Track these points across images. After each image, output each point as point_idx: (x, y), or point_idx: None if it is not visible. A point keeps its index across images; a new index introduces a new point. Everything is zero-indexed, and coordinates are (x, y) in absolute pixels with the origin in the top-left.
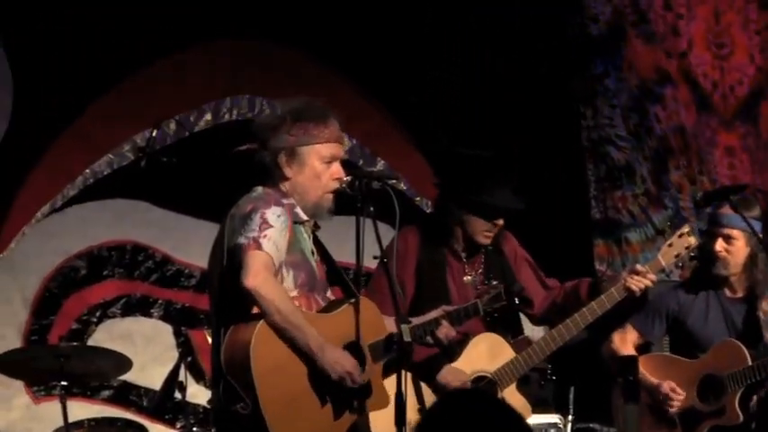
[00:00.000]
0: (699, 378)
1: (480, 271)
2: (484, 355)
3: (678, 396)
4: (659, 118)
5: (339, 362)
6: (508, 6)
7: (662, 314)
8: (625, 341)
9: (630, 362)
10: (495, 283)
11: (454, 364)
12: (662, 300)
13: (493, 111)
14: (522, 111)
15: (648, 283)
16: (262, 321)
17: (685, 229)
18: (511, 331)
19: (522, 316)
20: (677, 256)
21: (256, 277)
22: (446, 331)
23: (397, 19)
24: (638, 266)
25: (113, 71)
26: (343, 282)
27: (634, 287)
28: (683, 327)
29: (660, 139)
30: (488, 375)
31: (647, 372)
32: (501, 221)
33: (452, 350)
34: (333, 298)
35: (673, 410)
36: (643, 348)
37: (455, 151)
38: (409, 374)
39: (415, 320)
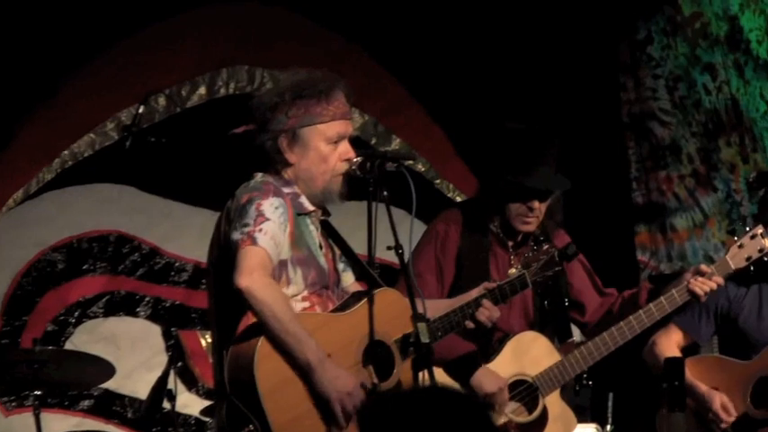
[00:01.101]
0: (752, 382)
1: (535, 245)
2: (525, 356)
3: (729, 416)
4: (708, 89)
5: (340, 380)
6: None
7: (710, 311)
8: (670, 342)
9: (676, 365)
10: (545, 246)
11: (491, 365)
12: (710, 296)
13: (520, 83)
14: (553, 82)
15: (713, 285)
16: (263, 336)
17: (759, 230)
18: (558, 334)
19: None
20: (748, 259)
21: (250, 275)
22: (489, 313)
23: None
24: (703, 266)
25: (95, 39)
26: (365, 272)
27: (698, 290)
28: (735, 325)
29: (709, 113)
30: (528, 380)
31: (694, 376)
32: (537, 204)
33: (490, 342)
34: (352, 288)
35: (723, 427)
36: (690, 350)
37: (497, 125)
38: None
39: (452, 301)
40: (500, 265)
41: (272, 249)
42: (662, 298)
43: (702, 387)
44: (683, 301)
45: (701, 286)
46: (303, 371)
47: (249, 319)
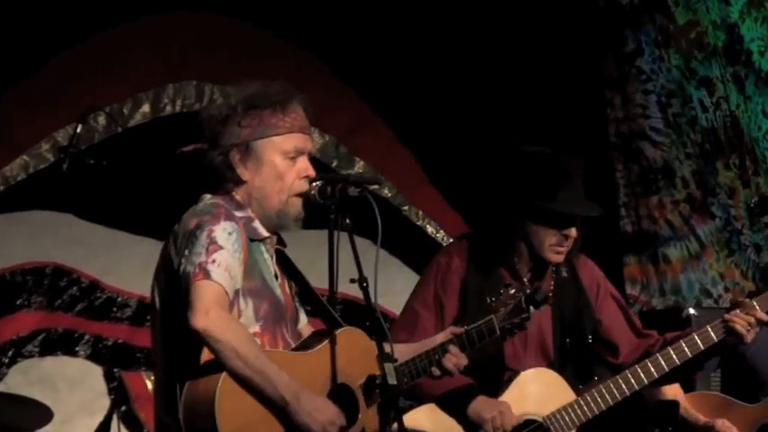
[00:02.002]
0: (756, 427)
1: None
2: (535, 394)
3: None
4: (705, 105)
5: (320, 410)
6: None
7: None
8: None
9: (670, 410)
10: (511, 290)
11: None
12: None
13: (496, 100)
14: (533, 99)
15: (752, 320)
16: (224, 373)
17: None
18: (580, 375)
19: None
20: None
21: (207, 316)
22: (456, 360)
23: None
24: (742, 299)
25: (27, 52)
26: (323, 309)
27: (739, 326)
28: (742, 360)
29: (706, 132)
30: (539, 419)
31: (693, 409)
32: (573, 232)
33: (497, 381)
34: (305, 331)
35: None
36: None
37: (513, 147)
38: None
39: (417, 346)
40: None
41: (228, 282)
42: (694, 334)
43: (700, 416)
44: (719, 339)
45: (741, 322)
46: (276, 409)
47: (205, 355)
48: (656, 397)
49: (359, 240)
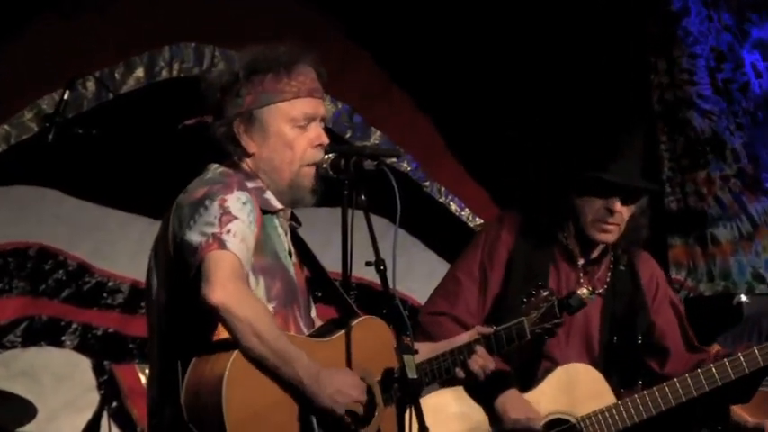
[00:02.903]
0: None
1: (600, 291)
2: (572, 392)
3: None
4: (758, 70)
5: (342, 391)
6: None
7: (762, 334)
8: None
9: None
10: (544, 293)
11: (527, 395)
12: (762, 316)
13: (527, 64)
14: (567, 65)
15: None
16: (236, 351)
17: None
18: (624, 377)
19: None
20: None
21: (225, 289)
22: (483, 362)
23: None
24: None
25: (10, 14)
26: (337, 296)
27: None
28: None
29: (759, 100)
30: (571, 420)
31: (741, 409)
32: (618, 206)
33: (533, 372)
34: (315, 316)
35: None
36: None
37: (569, 118)
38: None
39: (441, 345)
40: (563, 282)
41: (244, 255)
42: (755, 348)
43: (749, 418)
44: None
45: None
46: (292, 393)
47: (218, 335)
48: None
49: (375, 219)
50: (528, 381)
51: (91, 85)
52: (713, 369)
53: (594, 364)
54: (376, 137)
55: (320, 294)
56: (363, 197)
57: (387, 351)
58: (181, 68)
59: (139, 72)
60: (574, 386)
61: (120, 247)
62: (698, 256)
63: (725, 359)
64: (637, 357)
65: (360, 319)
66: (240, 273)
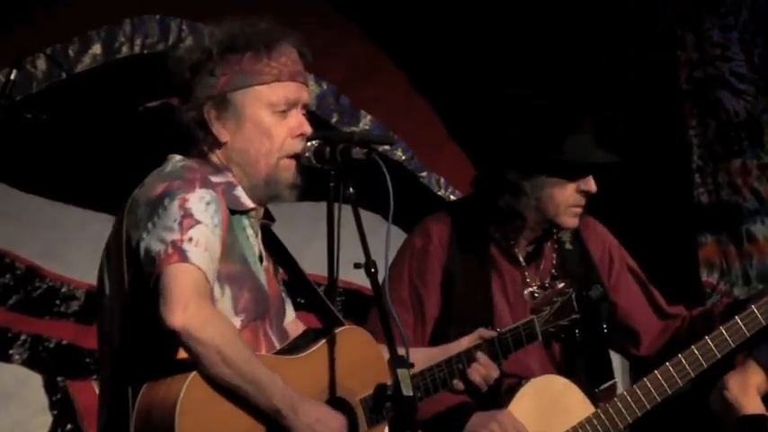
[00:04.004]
0: None
1: (548, 281)
2: (543, 408)
3: None
4: None
5: (321, 421)
6: None
7: None
8: (746, 388)
9: (757, 426)
10: (560, 284)
11: None
12: None
13: (535, 36)
14: (582, 37)
15: None
16: (194, 374)
17: None
18: (595, 376)
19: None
20: None
21: (186, 310)
22: (485, 372)
23: None
24: None
25: None
26: (318, 303)
27: None
28: None
29: None
30: None
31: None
32: (593, 186)
33: (496, 394)
34: (291, 329)
35: None
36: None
37: (506, 95)
38: None
39: (435, 352)
40: (509, 287)
41: (208, 266)
42: (738, 318)
43: (748, 407)
44: None
45: None
46: (264, 423)
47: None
48: (737, 408)
49: (365, 215)
50: (490, 404)
51: (41, 63)
52: (699, 347)
53: (559, 369)
54: (366, 121)
55: (302, 301)
56: (351, 190)
57: (370, 366)
58: (144, 44)
59: (96, 48)
60: (547, 401)
61: (75, 247)
62: (732, 256)
63: (706, 338)
64: (604, 350)
65: (340, 330)
66: (204, 289)
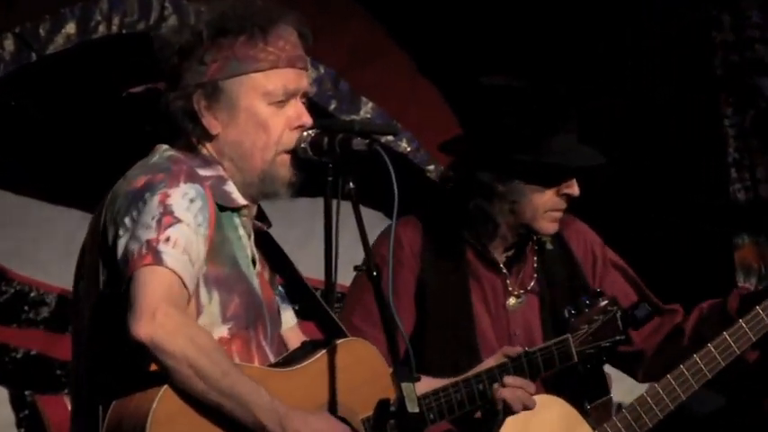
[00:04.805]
0: None
1: (532, 286)
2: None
3: None
4: None
5: None
6: None
7: None
8: None
9: None
10: (603, 302)
11: None
12: None
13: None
14: (606, 18)
15: None
16: (165, 388)
17: None
18: (587, 391)
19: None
20: None
21: (152, 320)
22: (520, 393)
23: None
24: None
25: None
26: (317, 310)
27: None
28: None
29: None
30: None
31: None
32: (575, 190)
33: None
34: (290, 336)
35: None
36: None
37: (481, 85)
38: None
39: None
40: (490, 297)
41: (186, 270)
42: (758, 308)
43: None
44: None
45: None
46: None
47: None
48: None
49: (367, 212)
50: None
51: (9, 43)
52: (716, 345)
53: (544, 383)
54: (367, 109)
55: (298, 308)
56: (351, 185)
57: (375, 382)
58: (122, 23)
59: (70, 28)
60: (535, 424)
61: (46, 248)
62: None
63: (725, 334)
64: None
65: (341, 341)
66: (176, 296)
